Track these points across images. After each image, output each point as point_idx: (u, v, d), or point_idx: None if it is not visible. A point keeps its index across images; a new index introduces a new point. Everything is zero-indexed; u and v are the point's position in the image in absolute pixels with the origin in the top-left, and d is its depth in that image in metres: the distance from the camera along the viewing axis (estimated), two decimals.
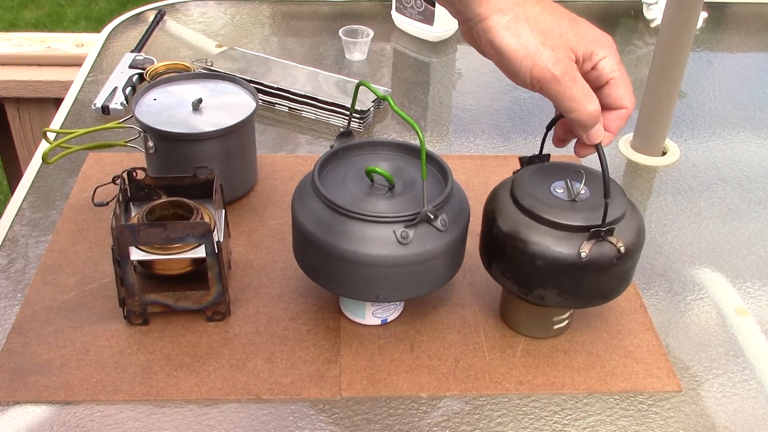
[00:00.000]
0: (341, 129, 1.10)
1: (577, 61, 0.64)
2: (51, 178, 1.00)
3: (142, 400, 0.71)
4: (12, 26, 3.37)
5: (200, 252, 0.76)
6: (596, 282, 0.71)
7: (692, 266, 0.90)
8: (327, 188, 0.72)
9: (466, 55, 1.37)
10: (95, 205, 0.87)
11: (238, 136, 0.92)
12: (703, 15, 1.36)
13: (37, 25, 3.39)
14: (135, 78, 1.19)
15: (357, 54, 1.32)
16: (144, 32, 1.36)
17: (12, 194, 0.98)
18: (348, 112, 1.10)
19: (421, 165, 0.70)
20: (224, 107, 0.93)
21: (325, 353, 0.76)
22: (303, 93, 1.14)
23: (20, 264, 0.86)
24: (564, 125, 0.71)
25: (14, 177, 1.86)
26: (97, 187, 0.89)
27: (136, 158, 1.01)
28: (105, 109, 1.13)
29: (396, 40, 1.41)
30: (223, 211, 0.84)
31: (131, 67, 1.22)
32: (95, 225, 0.91)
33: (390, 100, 0.69)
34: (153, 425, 0.69)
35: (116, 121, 0.97)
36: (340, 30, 1.31)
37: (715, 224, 0.97)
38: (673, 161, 1.10)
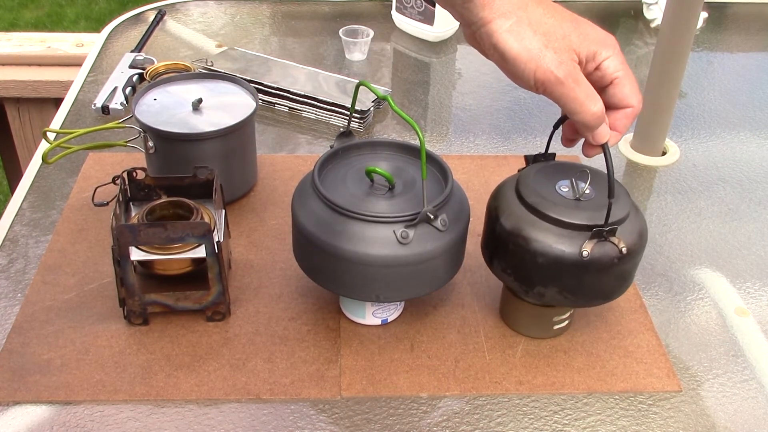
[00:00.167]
0: (341, 129, 1.10)
1: (580, 63, 0.64)
2: (51, 178, 1.00)
3: (142, 400, 0.71)
4: (12, 26, 3.37)
5: (200, 252, 0.76)
6: (597, 281, 0.71)
7: (692, 266, 0.90)
8: (327, 188, 0.72)
9: (466, 55, 1.37)
10: (95, 205, 0.87)
11: (238, 136, 0.92)
12: (703, 15, 1.36)
13: (37, 25, 3.39)
14: (135, 78, 1.19)
15: (357, 54, 1.32)
16: (144, 32, 1.36)
17: (12, 194, 0.98)
18: (348, 112, 1.10)
19: (421, 165, 0.70)
20: (224, 107, 0.93)
21: (325, 353, 0.76)
22: (303, 93, 1.14)
23: (20, 264, 0.86)
24: (571, 125, 0.71)
25: (14, 177, 1.86)
26: (97, 187, 0.89)
27: (136, 158, 1.01)
28: (105, 109, 1.13)
29: (396, 40, 1.41)
30: (223, 211, 0.84)
31: (131, 67, 1.22)
32: (95, 225, 0.91)
33: (390, 100, 0.69)
34: (153, 425, 0.69)
35: (116, 121, 0.97)
36: (340, 30, 1.31)
37: (715, 224, 0.97)
38: (673, 161, 1.10)
